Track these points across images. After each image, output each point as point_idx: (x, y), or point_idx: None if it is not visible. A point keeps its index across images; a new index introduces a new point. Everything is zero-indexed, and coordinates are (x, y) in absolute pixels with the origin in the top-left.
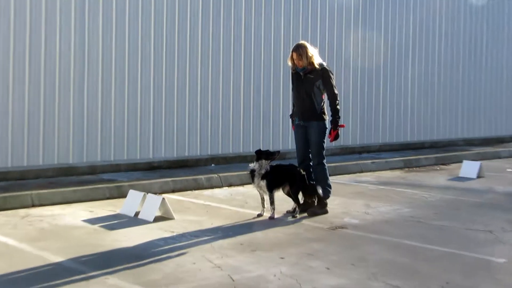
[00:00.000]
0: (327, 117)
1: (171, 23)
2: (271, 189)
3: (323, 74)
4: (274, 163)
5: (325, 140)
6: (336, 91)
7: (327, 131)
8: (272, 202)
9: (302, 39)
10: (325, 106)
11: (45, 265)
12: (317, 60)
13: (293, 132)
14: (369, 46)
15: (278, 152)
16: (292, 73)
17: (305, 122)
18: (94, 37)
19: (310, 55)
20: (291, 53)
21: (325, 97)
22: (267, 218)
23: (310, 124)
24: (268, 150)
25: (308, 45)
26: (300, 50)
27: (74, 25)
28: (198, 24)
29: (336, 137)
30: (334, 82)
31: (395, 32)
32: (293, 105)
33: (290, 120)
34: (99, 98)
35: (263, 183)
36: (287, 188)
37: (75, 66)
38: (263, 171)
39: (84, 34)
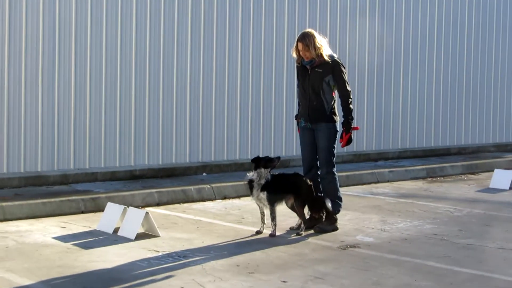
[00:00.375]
0: (338, 118)
1: (155, 19)
2: (272, 202)
3: (334, 68)
4: (276, 171)
5: (335, 145)
6: (349, 88)
7: (338, 135)
8: (273, 217)
9: (320, 27)
10: (335, 106)
11: (11, 286)
12: (326, 51)
13: (298, 135)
14: (387, 37)
15: (279, 158)
16: (297, 66)
17: (312, 125)
18: (66, 30)
19: (318, 45)
20: (296, 43)
21: (335, 95)
22: (267, 235)
23: (318, 127)
24: (267, 156)
25: (316, 33)
26: (307, 39)
27: (43, 15)
28: (188, 15)
29: (348, 141)
30: (346, 78)
31: (418, 21)
32: (299, 105)
33: (295, 121)
34: (72, 96)
35: (263, 195)
36: (291, 201)
37: (43, 60)
38: (262, 181)
39: (54, 26)
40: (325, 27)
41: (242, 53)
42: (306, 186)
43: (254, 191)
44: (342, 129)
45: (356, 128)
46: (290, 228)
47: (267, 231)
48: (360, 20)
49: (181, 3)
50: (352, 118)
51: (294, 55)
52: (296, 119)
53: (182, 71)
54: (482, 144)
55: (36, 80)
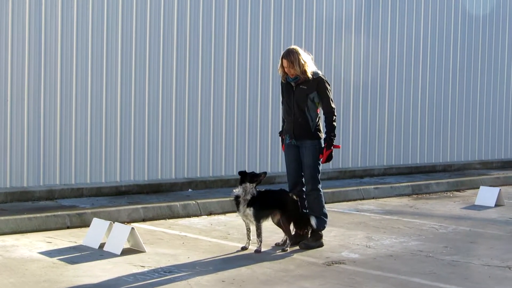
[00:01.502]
0: (323, 135)
1: (140, 28)
2: (258, 218)
3: (318, 84)
4: (262, 188)
5: (320, 162)
6: (333, 105)
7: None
8: (259, 234)
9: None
10: (320, 123)
11: None
12: (311, 68)
13: (283, 152)
14: (373, 54)
15: (265, 173)
16: (282, 83)
17: (297, 141)
18: (52, 48)
19: (303, 62)
20: (280, 60)
21: (320, 111)
22: (253, 251)
23: (303, 144)
24: (253, 172)
25: (300, 50)
26: (291, 56)
27: (29, 29)
28: (173, 26)
29: (329, 158)
30: (331, 95)
31: (403, 38)
32: (283, 121)
33: (280, 138)
34: (58, 111)
35: (249, 211)
36: (277, 217)
37: (29, 73)
38: (248, 197)
39: (40, 40)
40: (310, 43)
41: (227, 69)
42: (292, 202)
43: (241, 207)
44: (323, 145)
45: (337, 147)
46: (276, 244)
47: (252, 247)
48: (346, 36)
49: (166, 15)
50: (335, 135)
51: (280, 72)
52: (280, 135)
53: (168, 87)
54: (467, 161)
55: (22, 95)
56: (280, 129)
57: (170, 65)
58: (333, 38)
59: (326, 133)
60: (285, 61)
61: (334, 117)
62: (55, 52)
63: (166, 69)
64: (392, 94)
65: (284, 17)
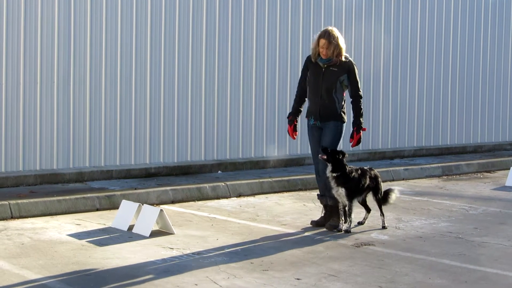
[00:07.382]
0: (346, 119)
1: (169, 15)
2: (351, 198)
3: (350, 68)
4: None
5: (339, 144)
6: (361, 90)
7: (346, 134)
8: (350, 214)
9: (331, 24)
10: (345, 106)
11: (26, 282)
12: (345, 52)
13: (298, 134)
14: (403, 30)
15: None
16: (307, 62)
17: (321, 123)
18: (81, 28)
19: (341, 46)
20: (317, 39)
21: (345, 94)
22: (282, 233)
23: (326, 124)
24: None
25: (338, 32)
26: (331, 38)
27: (58, 14)
28: (202, 15)
29: (358, 141)
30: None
31: (434, 11)
32: (296, 101)
33: (287, 119)
34: (87, 93)
35: (342, 191)
36: (364, 196)
37: (59, 55)
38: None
39: (70, 22)
40: (340, 21)
41: (257, 52)
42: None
43: (333, 186)
44: (352, 129)
45: (364, 129)
46: (358, 223)
47: (285, 230)
48: (376, 12)
49: (195, 2)
50: (362, 120)
51: (314, 51)
52: (288, 117)
53: (197, 69)
54: (498, 142)
55: (51, 78)
56: (290, 110)
57: (199, 48)
58: (363, 12)
59: (355, 116)
60: (323, 41)
61: (361, 99)
62: (84, 34)
63: (195, 51)
64: (422, 75)
65: (314, 7)
